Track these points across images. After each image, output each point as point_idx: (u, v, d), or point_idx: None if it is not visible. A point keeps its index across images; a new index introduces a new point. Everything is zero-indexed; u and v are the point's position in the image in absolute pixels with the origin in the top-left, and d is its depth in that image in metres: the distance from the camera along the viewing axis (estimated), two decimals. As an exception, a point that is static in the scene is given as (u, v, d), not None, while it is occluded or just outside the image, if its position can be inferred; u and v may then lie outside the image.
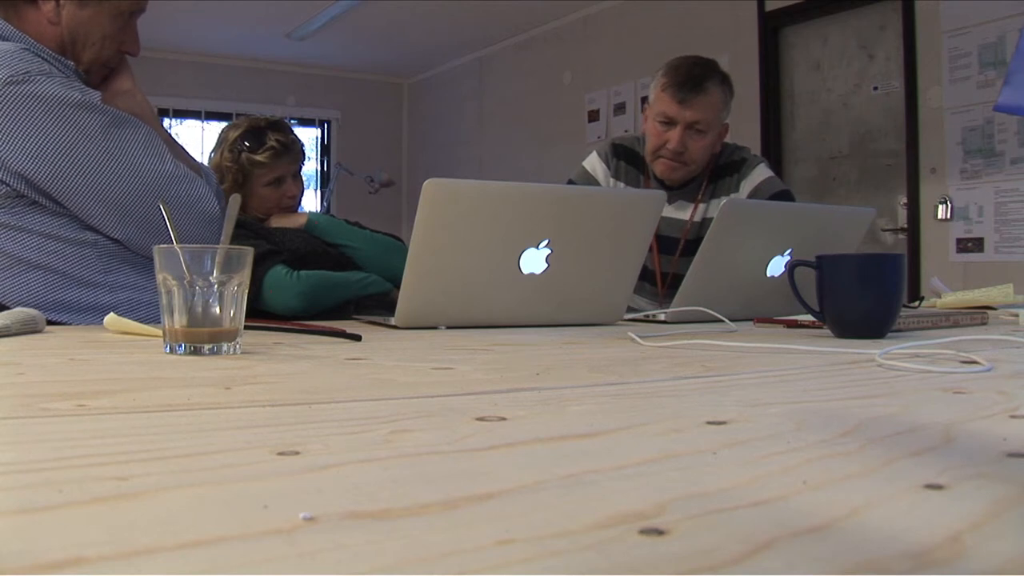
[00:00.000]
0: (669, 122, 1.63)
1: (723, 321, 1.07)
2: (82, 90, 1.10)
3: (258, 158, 1.63)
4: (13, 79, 1.04)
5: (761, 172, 1.68)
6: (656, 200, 1.13)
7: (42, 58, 1.10)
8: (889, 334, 0.91)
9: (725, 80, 1.67)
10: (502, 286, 1.04)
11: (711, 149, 1.67)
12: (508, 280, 1.03)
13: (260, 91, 6.37)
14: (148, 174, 1.11)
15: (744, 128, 4.00)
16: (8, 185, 1.07)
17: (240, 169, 1.63)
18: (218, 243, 0.75)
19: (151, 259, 0.70)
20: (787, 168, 4.01)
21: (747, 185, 1.67)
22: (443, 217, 0.97)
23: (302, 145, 1.73)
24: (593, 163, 1.77)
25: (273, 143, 1.64)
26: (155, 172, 1.12)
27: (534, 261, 1.04)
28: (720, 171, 1.71)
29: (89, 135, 1.07)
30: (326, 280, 1.52)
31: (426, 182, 0.94)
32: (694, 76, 1.61)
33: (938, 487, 0.27)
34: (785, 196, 1.63)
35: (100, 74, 1.21)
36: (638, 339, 0.84)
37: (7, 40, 1.11)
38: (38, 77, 1.06)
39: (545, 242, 1.03)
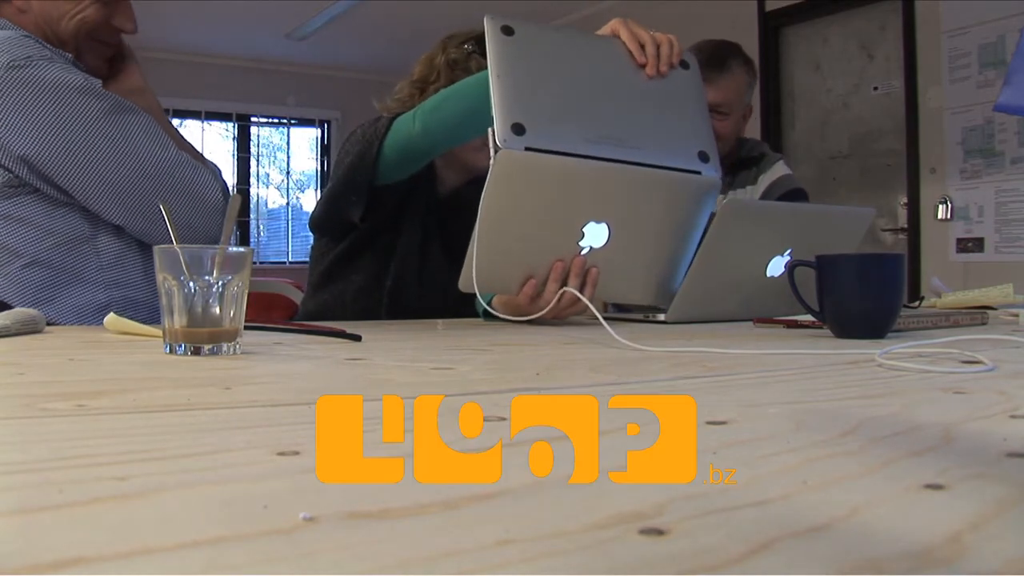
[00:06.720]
0: None
1: (722, 321, 1.07)
2: (84, 76, 1.10)
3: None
4: (15, 63, 1.04)
5: (780, 168, 1.68)
6: (710, 186, 1.11)
7: (42, 46, 1.10)
8: (889, 334, 0.91)
9: (748, 62, 1.67)
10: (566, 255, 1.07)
11: (735, 132, 1.67)
12: (570, 252, 1.06)
13: (260, 91, 6.36)
14: (149, 160, 1.11)
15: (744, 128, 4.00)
16: (9, 171, 1.07)
17: (459, 70, 1.39)
18: (218, 234, 0.75)
19: (150, 248, 0.70)
20: (787, 168, 4.01)
21: (765, 179, 1.68)
22: (512, 189, 0.99)
23: None
24: None
25: None
26: (156, 158, 1.12)
27: (595, 235, 1.06)
28: (740, 164, 1.72)
29: (90, 119, 1.07)
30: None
31: (499, 153, 0.94)
32: (718, 56, 1.61)
33: (938, 487, 0.27)
34: (799, 195, 1.63)
35: (101, 55, 1.20)
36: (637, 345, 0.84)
37: (6, 29, 1.11)
38: (40, 62, 1.06)
39: (604, 221, 1.06)
